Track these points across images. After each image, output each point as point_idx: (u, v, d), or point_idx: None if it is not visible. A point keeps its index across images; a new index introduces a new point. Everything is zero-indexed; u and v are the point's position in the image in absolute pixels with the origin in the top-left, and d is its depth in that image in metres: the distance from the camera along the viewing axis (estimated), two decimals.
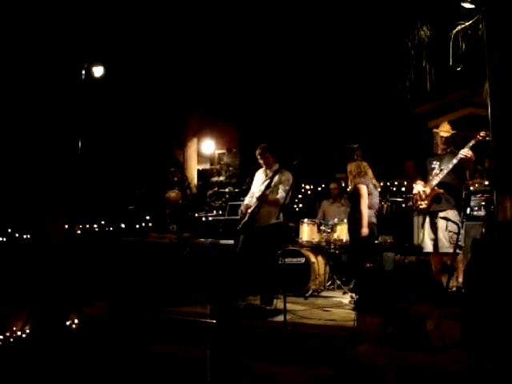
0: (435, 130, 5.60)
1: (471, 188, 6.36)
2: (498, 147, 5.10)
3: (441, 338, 3.94)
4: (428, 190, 5.35)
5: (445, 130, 5.54)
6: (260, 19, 9.75)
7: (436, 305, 4.18)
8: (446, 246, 5.15)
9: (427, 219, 5.40)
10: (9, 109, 9.09)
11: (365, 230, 5.88)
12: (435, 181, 5.33)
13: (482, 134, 5.06)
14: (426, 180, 5.49)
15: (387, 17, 7.05)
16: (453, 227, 5.02)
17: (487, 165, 6.09)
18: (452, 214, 5.20)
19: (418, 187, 5.48)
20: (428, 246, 5.39)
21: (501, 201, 5.04)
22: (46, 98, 9.29)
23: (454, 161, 5.18)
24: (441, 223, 5.20)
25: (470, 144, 5.12)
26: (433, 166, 5.47)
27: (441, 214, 5.22)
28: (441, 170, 5.34)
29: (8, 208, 8.13)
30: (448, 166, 5.25)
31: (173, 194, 7.03)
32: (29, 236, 7.63)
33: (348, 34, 9.17)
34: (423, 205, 5.37)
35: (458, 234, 4.91)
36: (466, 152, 5.10)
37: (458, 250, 5.02)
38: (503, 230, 4.92)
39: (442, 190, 5.26)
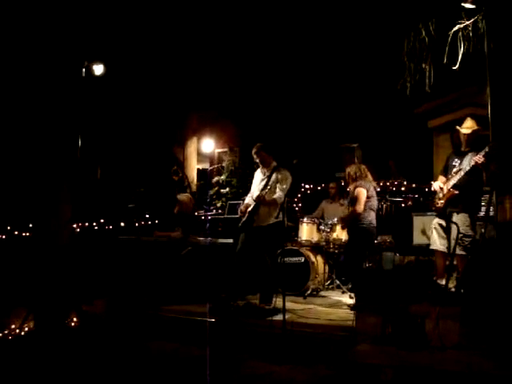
0: (457, 128, 5.47)
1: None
2: (498, 147, 5.08)
3: (440, 338, 3.94)
4: (445, 190, 5.31)
5: (466, 127, 5.39)
6: (260, 18, 9.74)
7: (435, 305, 4.18)
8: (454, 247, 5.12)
9: (439, 219, 5.36)
10: (9, 106, 9.08)
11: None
12: (452, 181, 5.26)
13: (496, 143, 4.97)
14: (447, 176, 5.42)
15: (387, 16, 7.04)
16: (464, 230, 4.99)
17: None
18: (463, 216, 5.14)
19: (436, 184, 5.43)
20: (436, 244, 5.36)
21: (500, 201, 5.03)
22: (45, 96, 9.27)
23: (472, 163, 5.09)
24: (454, 225, 5.14)
25: (487, 149, 4.99)
26: (453, 163, 5.38)
27: (455, 216, 5.17)
28: (459, 169, 5.25)
29: (8, 206, 8.12)
30: (466, 168, 5.17)
31: (185, 198, 7.09)
32: (28, 234, 7.63)
33: (348, 33, 9.16)
34: (439, 204, 5.34)
35: (468, 236, 4.92)
36: (477, 158, 5.01)
37: (464, 252, 5.01)
38: (502, 230, 4.92)
39: (457, 192, 5.19)
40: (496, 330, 3.85)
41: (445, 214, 5.29)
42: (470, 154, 5.25)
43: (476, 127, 5.35)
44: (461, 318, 4.06)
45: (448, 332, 3.98)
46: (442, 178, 5.50)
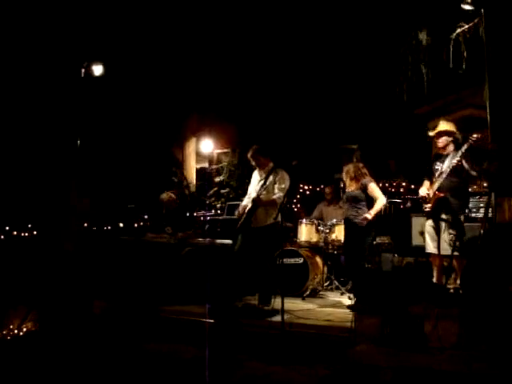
0: (430, 133, 5.54)
1: (469, 190, 6.34)
2: (497, 149, 5.10)
3: (438, 339, 3.95)
4: (431, 194, 5.33)
5: (433, 130, 5.47)
6: (260, 19, 9.76)
7: (434, 306, 4.19)
8: (445, 249, 5.15)
9: (430, 221, 5.39)
10: (9, 108, 9.08)
11: (368, 217, 5.74)
12: (436, 184, 5.30)
13: (473, 138, 5.00)
14: (431, 181, 5.45)
15: (387, 18, 7.06)
16: (453, 230, 5.01)
17: (485, 166, 6.07)
18: (450, 217, 5.15)
19: (422, 190, 5.47)
20: (430, 247, 5.38)
21: (499, 203, 5.04)
22: (45, 97, 9.28)
23: (452, 165, 5.15)
24: (442, 226, 5.18)
25: (463, 149, 5.05)
26: (436, 167, 5.43)
27: (443, 217, 5.20)
28: (441, 172, 5.29)
29: (7, 206, 8.12)
30: (446, 170, 5.22)
31: (164, 195, 7.00)
32: (27, 234, 7.64)
33: (348, 34, 9.18)
34: (427, 208, 5.38)
35: (457, 236, 4.92)
36: (454, 163, 5.09)
37: (456, 253, 5.03)
38: (501, 231, 4.93)
39: (442, 194, 5.22)
40: (495, 330, 3.86)
41: (434, 215, 5.31)
42: (449, 156, 5.30)
43: (443, 129, 5.38)
44: (460, 318, 4.07)
45: (447, 333, 3.98)
46: (426, 183, 5.54)
